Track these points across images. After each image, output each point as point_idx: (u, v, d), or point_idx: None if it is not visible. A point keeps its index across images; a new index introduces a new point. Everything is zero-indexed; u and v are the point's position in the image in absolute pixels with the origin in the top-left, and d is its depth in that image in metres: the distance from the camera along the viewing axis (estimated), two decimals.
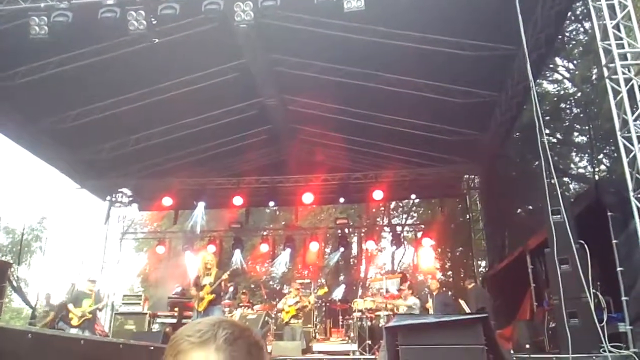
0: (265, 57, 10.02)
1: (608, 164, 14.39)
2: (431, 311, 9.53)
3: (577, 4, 10.01)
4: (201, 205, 14.24)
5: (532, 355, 6.55)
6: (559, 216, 6.10)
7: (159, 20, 7.02)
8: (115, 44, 8.64)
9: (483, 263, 15.09)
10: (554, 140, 15.80)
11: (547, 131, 15.37)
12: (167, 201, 14.15)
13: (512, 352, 7.02)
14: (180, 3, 6.69)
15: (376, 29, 8.53)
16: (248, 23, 6.69)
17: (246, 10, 6.59)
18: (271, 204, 14.84)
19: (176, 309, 11.49)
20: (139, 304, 12.04)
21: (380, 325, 9.45)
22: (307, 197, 13.67)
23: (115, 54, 8.90)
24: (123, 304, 12.40)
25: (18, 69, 8.89)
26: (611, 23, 5.69)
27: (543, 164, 5.98)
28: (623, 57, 5.63)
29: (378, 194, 13.68)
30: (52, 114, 10.51)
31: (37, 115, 10.44)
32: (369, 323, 9.67)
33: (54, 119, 10.60)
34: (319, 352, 9.72)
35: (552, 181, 6.50)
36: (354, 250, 21.05)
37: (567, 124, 15.35)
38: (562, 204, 5.93)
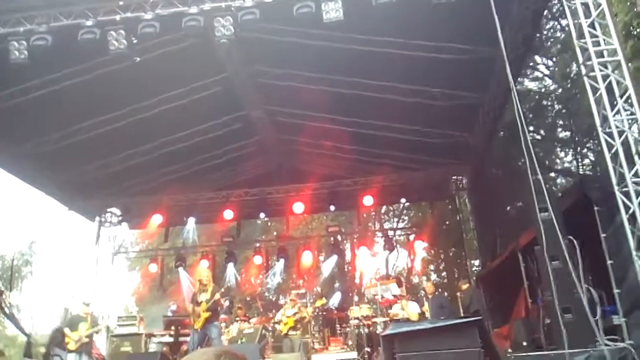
0: (247, 70, 10.05)
1: (592, 158, 14.56)
2: (427, 315, 9.54)
3: (554, 2, 10.14)
4: (192, 220, 14.17)
5: (529, 353, 6.59)
6: (547, 213, 6.14)
7: (140, 38, 7.03)
8: (96, 64, 8.62)
9: (476, 262, 15.17)
10: (538, 137, 15.94)
11: (531, 128, 15.56)
12: (157, 219, 14.07)
13: (510, 351, 7.05)
14: (160, 21, 6.69)
15: (357, 37, 8.60)
16: (228, 37, 6.71)
17: (226, 25, 6.62)
18: (262, 215, 14.80)
19: (172, 328, 11.39)
20: (134, 324, 11.91)
21: (377, 331, 9.45)
22: (298, 207, 13.68)
23: (97, 73, 8.87)
24: (118, 325, 12.26)
25: None
26: (586, 22, 5.79)
27: (527, 162, 6.02)
28: (600, 54, 5.73)
29: (368, 200, 13.72)
30: (36, 137, 10.43)
31: (20, 139, 10.33)
32: (366, 330, 9.67)
33: (37, 142, 10.51)
34: None
35: (538, 177, 6.56)
36: (348, 256, 21.05)
37: (549, 120, 15.51)
38: (548, 201, 5.98)
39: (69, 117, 10.23)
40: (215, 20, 6.65)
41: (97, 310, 11.51)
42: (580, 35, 5.90)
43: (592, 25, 5.83)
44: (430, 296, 10.20)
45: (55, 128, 10.46)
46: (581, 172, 15.37)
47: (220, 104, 11.16)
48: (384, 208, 22.26)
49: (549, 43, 14.29)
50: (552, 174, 16.76)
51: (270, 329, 11.09)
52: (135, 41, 7.07)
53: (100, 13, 6.71)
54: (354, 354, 9.46)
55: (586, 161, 15.14)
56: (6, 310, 11.32)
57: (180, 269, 14.65)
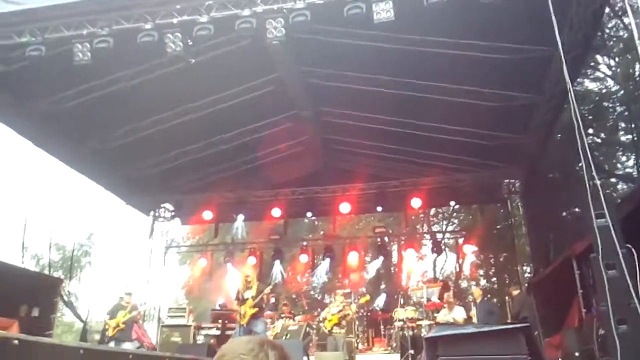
0: (298, 70, 10.16)
1: None
2: (474, 320, 9.36)
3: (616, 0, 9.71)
4: (240, 217, 14.48)
5: None
6: (603, 219, 5.89)
7: (195, 40, 7.25)
8: (154, 65, 8.96)
9: (528, 269, 14.71)
10: (599, 140, 15.31)
11: (591, 131, 14.94)
12: (207, 215, 14.46)
13: None
14: (214, 23, 6.88)
15: (408, 38, 8.52)
16: (280, 39, 6.82)
17: (277, 27, 6.72)
18: (309, 214, 14.92)
19: (219, 321, 11.70)
20: (184, 316, 12.33)
21: (422, 334, 9.35)
22: (345, 207, 13.70)
23: (155, 74, 9.22)
24: (169, 316, 12.72)
25: (64, 93, 9.32)
26: None
27: (584, 166, 5.80)
28: None
29: (416, 202, 13.57)
30: (97, 135, 10.96)
31: (83, 137, 10.91)
32: (410, 332, 9.60)
33: (98, 140, 11.05)
34: None
35: (595, 182, 6.30)
36: (394, 258, 20.88)
37: (611, 123, 14.83)
38: (605, 207, 5.73)
39: (128, 116, 10.69)
40: (267, 22, 6.76)
41: (139, 299, 11.93)
42: None
43: None
44: (477, 301, 9.99)
45: (115, 127, 10.95)
46: None
47: (271, 104, 11.34)
48: (432, 210, 21.93)
49: (612, 42, 13.68)
50: (613, 179, 16.04)
51: (314, 326, 11.18)
52: (190, 43, 7.29)
53: (159, 16, 6.97)
54: (397, 357, 9.40)
55: None
56: (65, 298, 11.94)
57: (229, 265, 14.99)
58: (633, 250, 5.65)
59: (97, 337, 11.10)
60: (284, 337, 10.43)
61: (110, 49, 7.09)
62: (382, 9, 6.42)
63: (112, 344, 9.87)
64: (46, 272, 19.67)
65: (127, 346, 9.93)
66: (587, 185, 6.01)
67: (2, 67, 7.27)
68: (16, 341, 2.55)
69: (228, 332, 11.19)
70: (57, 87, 9.16)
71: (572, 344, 7.68)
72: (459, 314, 9.47)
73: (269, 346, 1.24)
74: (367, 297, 11.68)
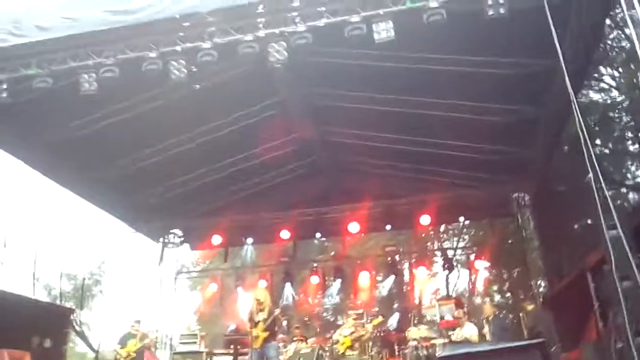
0: (301, 92, 10.26)
1: None
2: (488, 337, 9.20)
3: (617, 11, 9.75)
4: (249, 241, 14.45)
5: None
6: (615, 230, 5.82)
7: (199, 66, 7.35)
8: (159, 93, 9.06)
9: (542, 283, 14.50)
10: (607, 150, 15.20)
11: (598, 142, 14.85)
12: (216, 239, 14.45)
13: None
14: (218, 49, 6.96)
15: (410, 56, 8.57)
16: (282, 62, 6.89)
17: (280, 50, 6.79)
18: (318, 235, 14.88)
19: (232, 347, 11.59)
20: (196, 342, 12.22)
21: (437, 353, 9.20)
22: (353, 227, 13.66)
23: (160, 102, 9.33)
24: (180, 343, 12.62)
25: (71, 123, 9.44)
26: None
27: (592, 177, 5.76)
28: None
29: (425, 219, 13.50)
30: (104, 164, 11.05)
31: (90, 166, 11.01)
32: (425, 352, 9.44)
33: (106, 169, 11.14)
34: None
35: (605, 193, 6.24)
36: (406, 276, 20.68)
37: (617, 133, 14.76)
38: (616, 218, 5.67)
39: (134, 144, 10.79)
40: (269, 46, 6.84)
41: (148, 327, 11.86)
42: None
43: None
44: (489, 318, 9.82)
45: (122, 155, 11.05)
46: None
47: (277, 126, 11.39)
48: (442, 227, 21.76)
49: (614, 53, 13.70)
50: (623, 190, 15.88)
51: (327, 349, 11.03)
52: (195, 69, 7.39)
53: (162, 44, 7.08)
54: None
55: None
56: (77, 328, 11.92)
57: (239, 289, 14.90)
58: None
59: None
60: None
61: (116, 79, 7.19)
62: (383, 28, 6.49)
63: None
64: (58, 302, 19.70)
65: None
66: (597, 196, 5.95)
67: (9, 100, 7.36)
68: None
69: (241, 357, 11.07)
70: (64, 118, 9.28)
71: (591, 359, 7.51)
72: (469, 330, 9.33)
73: None
74: (380, 318, 11.53)
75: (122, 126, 9.66)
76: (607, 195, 5.94)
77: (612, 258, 5.61)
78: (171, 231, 15.17)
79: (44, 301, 17.61)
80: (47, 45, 7.29)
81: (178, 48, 7.02)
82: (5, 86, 7.30)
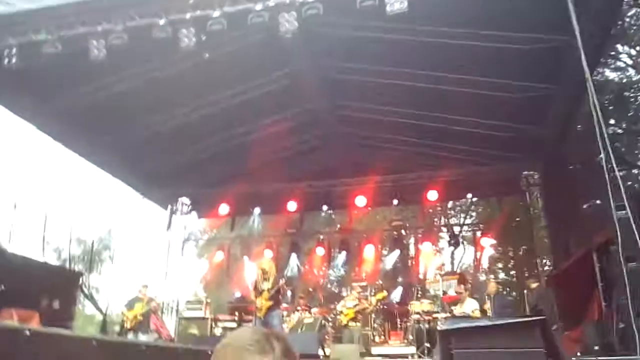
0: (312, 64, 10.14)
1: None
2: (489, 313, 9.28)
3: None
4: (257, 211, 14.54)
5: (599, 358, 6.26)
6: (624, 211, 5.78)
7: (208, 35, 7.28)
8: (170, 60, 9.01)
9: (548, 262, 14.52)
10: (620, 130, 15.00)
11: (612, 121, 14.63)
12: (224, 209, 14.55)
13: (578, 354, 6.73)
14: (227, 18, 6.89)
15: (422, 29, 8.42)
16: (293, 32, 6.81)
17: (290, 20, 6.71)
18: (325, 208, 14.94)
19: (236, 313, 11.81)
20: (201, 309, 12.46)
21: (438, 327, 9.32)
22: (361, 200, 13.67)
23: (170, 70, 9.28)
24: (187, 309, 12.88)
25: (81, 89, 9.45)
26: None
27: (603, 157, 5.70)
28: None
29: (433, 195, 13.47)
30: (114, 130, 11.08)
31: (100, 132, 11.04)
32: (426, 326, 9.56)
33: (116, 135, 11.17)
34: (378, 355, 9.70)
35: (615, 173, 6.18)
36: (412, 251, 20.80)
37: (632, 113, 14.52)
38: (625, 198, 5.62)
39: (144, 111, 10.78)
40: (280, 16, 6.75)
41: (165, 293, 12.11)
42: None
43: None
44: (492, 295, 9.90)
45: (132, 122, 11.06)
46: None
47: (287, 98, 11.35)
48: (450, 203, 21.76)
49: (632, 31, 13.36)
50: (635, 171, 15.72)
51: (330, 319, 11.21)
52: (204, 38, 7.32)
53: (172, 12, 7.01)
54: (413, 350, 9.39)
55: None
56: (85, 291, 12.18)
57: (245, 258, 15.09)
58: None
59: (117, 328, 11.30)
60: (299, 330, 10.48)
61: (126, 45, 7.15)
62: (395, 0, 6.36)
63: (130, 336, 10.04)
64: (67, 265, 20.06)
65: (145, 338, 10.09)
66: (607, 176, 5.91)
67: (20, 64, 7.37)
68: (28, 332, 2.60)
69: (244, 324, 11.29)
70: (75, 84, 9.28)
71: (592, 338, 7.56)
72: (471, 306, 9.42)
73: (274, 338, 1.26)
74: (384, 293, 11.66)
75: (133, 93, 9.66)
76: (618, 175, 5.88)
77: (619, 239, 5.58)
78: (179, 199, 15.29)
79: (53, 264, 17.95)
80: (56, 11, 7.27)
81: (187, 16, 6.96)
82: (15, 51, 7.30)
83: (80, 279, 10.95)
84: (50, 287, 9.42)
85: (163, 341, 10.51)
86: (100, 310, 12.96)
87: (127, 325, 10.13)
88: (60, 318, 9.32)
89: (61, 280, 10.09)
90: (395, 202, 13.98)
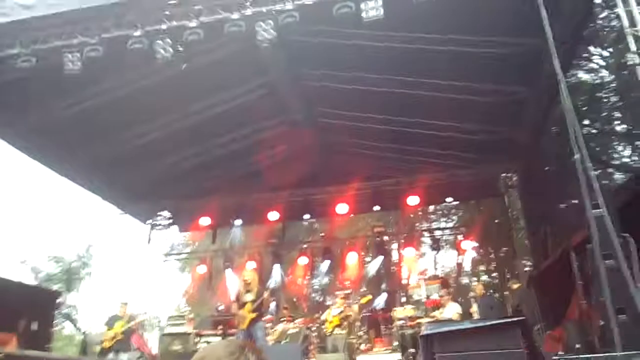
0: (290, 72, 10.16)
1: None
2: (476, 316, 9.34)
3: None
4: (238, 222, 14.44)
5: (580, 356, 6.33)
6: (599, 210, 5.88)
7: (185, 46, 7.24)
8: (146, 72, 8.92)
9: (529, 263, 14.69)
10: (594, 130, 15.29)
11: (586, 122, 14.92)
12: (205, 221, 14.43)
13: (561, 353, 6.80)
14: (204, 28, 6.87)
15: (398, 36, 8.52)
16: (270, 41, 6.82)
17: (267, 29, 6.72)
18: (306, 216, 14.93)
19: (220, 327, 11.65)
20: (184, 324, 12.26)
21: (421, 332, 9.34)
22: (342, 208, 13.70)
23: (147, 82, 9.20)
24: (169, 324, 12.64)
25: (56, 104, 9.29)
26: (638, 9, 5.53)
27: (578, 156, 5.81)
28: None
29: (413, 200, 13.57)
30: (91, 145, 10.91)
31: (76, 147, 10.86)
32: (410, 331, 9.56)
33: (92, 150, 11.00)
34: None
35: (590, 173, 6.30)
36: (394, 257, 20.86)
37: (605, 113, 14.82)
38: (600, 197, 5.73)
39: (121, 125, 10.64)
40: (256, 24, 6.76)
41: (146, 310, 11.90)
42: (632, 23, 5.64)
43: None
44: (478, 297, 9.97)
45: (109, 136, 10.89)
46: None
47: (265, 107, 11.34)
48: (431, 207, 21.92)
49: (604, 32, 13.68)
50: (610, 170, 16.02)
51: (314, 329, 11.14)
52: (181, 49, 7.28)
53: (148, 23, 6.96)
54: (398, 356, 9.38)
55: None
56: (64, 311, 11.92)
57: (228, 270, 14.95)
58: (630, 239, 5.64)
59: (99, 348, 11.05)
60: (283, 341, 10.39)
61: (101, 58, 7.07)
62: (371, 7, 6.44)
63: (110, 355, 9.83)
64: (45, 285, 19.61)
65: (126, 357, 9.88)
66: (582, 176, 6.01)
67: None
68: (1, 355, 2.53)
69: (229, 338, 11.13)
70: (50, 98, 9.13)
71: (573, 336, 7.65)
72: (452, 310, 9.48)
73: (249, 350, 1.27)
74: (369, 297, 11.66)
75: (109, 106, 9.54)
76: (593, 175, 5.98)
77: (596, 237, 5.67)
78: (159, 213, 15.10)
79: (30, 284, 17.54)
80: (30, 24, 7.16)
81: (164, 27, 6.92)
82: None
83: (59, 299, 10.70)
84: (27, 307, 9.21)
85: (145, 359, 10.32)
86: (80, 330, 12.67)
87: (106, 344, 9.90)
88: (38, 340, 9.10)
89: (39, 301, 9.88)
90: (376, 208, 14.04)
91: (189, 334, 11.74)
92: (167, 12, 6.95)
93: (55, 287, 20.19)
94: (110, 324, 10.26)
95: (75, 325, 13.65)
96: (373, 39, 8.54)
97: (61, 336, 21.48)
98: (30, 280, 21.27)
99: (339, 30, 8.33)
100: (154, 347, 12.33)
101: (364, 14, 6.47)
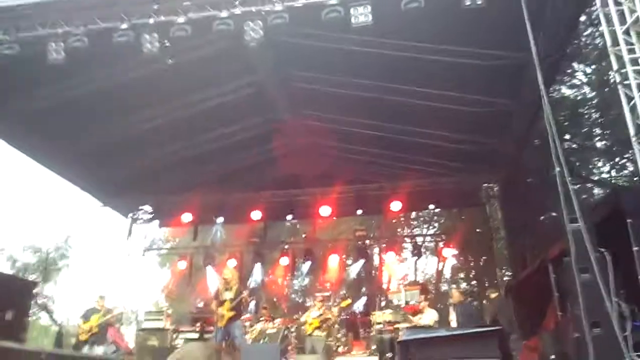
0: (278, 73, 10.14)
1: (632, 168, 14.09)
2: (453, 323, 9.40)
3: (592, 8, 9.91)
4: (220, 220, 14.36)
5: None
6: (577, 224, 5.97)
7: (172, 41, 7.19)
8: (131, 65, 8.83)
9: (508, 272, 14.84)
10: (575, 145, 15.53)
11: (568, 137, 15.14)
12: (186, 217, 14.34)
13: None
14: (192, 24, 6.83)
15: (386, 42, 8.55)
16: (258, 41, 6.80)
17: (256, 29, 6.71)
18: (289, 217, 14.90)
19: (198, 324, 11.58)
20: (162, 319, 12.17)
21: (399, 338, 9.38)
22: (325, 210, 13.72)
23: (131, 75, 9.10)
24: (146, 320, 12.54)
25: (38, 92, 9.15)
26: (621, 29, 5.62)
27: (557, 170, 5.89)
28: (635, 62, 5.54)
29: (396, 205, 13.64)
30: (73, 136, 10.77)
31: (59, 138, 10.71)
32: (388, 336, 9.61)
33: (75, 141, 10.86)
34: None
35: (569, 187, 6.39)
36: (375, 261, 20.90)
37: (586, 129, 15.09)
38: (578, 211, 5.81)
39: (105, 116, 10.50)
40: (245, 24, 6.75)
41: (126, 304, 11.80)
42: (615, 43, 5.74)
43: (627, 33, 5.66)
44: (456, 304, 10.04)
45: (92, 128, 10.76)
46: (620, 184, 14.88)
47: (251, 106, 11.30)
48: (413, 214, 22.04)
49: (588, 49, 13.91)
50: (589, 185, 16.26)
51: (293, 330, 11.12)
52: (168, 44, 7.23)
53: (135, 16, 6.90)
54: (376, 359, 9.41)
55: (624, 172, 14.66)
56: (40, 301, 11.76)
57: (209, 267, 14.86)
58: (606, 254, 5.73)
59: (74, 340, 10.91)
60: (262, 341, 10.36)
61: (86, 48, 7.00)
62: (360, 12, 6.47)
63: (86, 348, 9.71)
64: (21, 274, 19.31)
65: (102, 350, 9.77)
66: (561, 190, 6.09)
67: None
68: None
69: (207, 335, 11.07)
70: (33, 87, 8.98)
71: (548, 347, 7.74)
72: (429, 316, 9.55)
73: (225, 352, 1.27)
74: (349, 301, 11.69)
75: (93, 98, 9.43)
76: (571, 189, 6.07)
77: (573, 251, 5.75)
78: (141, 207, 14.96)
79: (6, 273, 17.25)
80: (14, 11, 7.06)
81: (151, 21, 6.87)
82: None
83: (35, 289, 10.53)
84: (3, 297, 9.04)
85: (121, 354, 10.21)
86: (55, 322, 12.50)
87: (82, 337, 9.79)
88: (13, 330, 8.95)
89: (14, 290, 9.70)
90: (359, 212, 14.08)
91: (167, 329, 11.67)
92: (155, 7, 6.90)
93: (32, 277, 19.93)
94: (86, 316, 10.14)
95: (51, 316, 13.46)
96: (363, 44, 8.55)
97: (37, 326, 21.19)
98: (6, 269, 20.97)
99: (328, 34, 8.34)
100: (130, 341, 12.19)
101: (353, 20, 6.49)
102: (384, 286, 17.62)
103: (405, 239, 20.02)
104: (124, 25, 6.84)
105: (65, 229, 24.27)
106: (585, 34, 12.62)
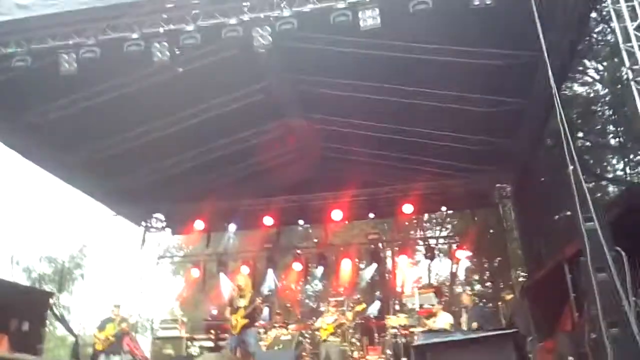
0: (287, 78, 10.18)
1: None
2: (464, 326, 9.31)
3: (603, 5, 9.83)
4: (232, 226, 14.39)
5: None
6: (592, 223, 5.89)
7: (182, 49, 7.26)
8: (142, 75, 8.92)
9: (522, 273, 14.71)
10: (588, 143, 15.39)
11: (580, 134, 15.01)
12: (199, 224, 14.38)
13: None
14: (201, 32, 6.88)
15: (396, 44, 8.55)
16: (267, 47, 6.83)
17: (264, 35, 6.74)
18: (301, 222, 14.88)
19: (212, 332, 11.59)
20: (177, 327, 12.20)
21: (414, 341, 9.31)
22: (337, 214, 13.68)
23: (143, 84, 9.19)
24: (161, 328, 12.58)
25: (52, 104, 9.27)
26: (632, 25, 5.57)
27: (571, 169, 5.83)
28: None
29: (408, 208, 13.57)
30: (86, 146, 10.89)
31: (71, 148, 10.83)
32: (403, 340, 9.54)
33: (87, 151, 10.97)
34: None
35: (583, 185, 6.32)
36: (389, 264, 20.81)
37: (599, 126, 14.95)
38: (592, 210, 5.74)
39: (117, 126, 10.63)
40: (254, 30, 6.78)
41: (129, 312, 11.82)
42: (627, 39, 5.68)
43: (638, 29, 5.60)
44: (467, 307, 9.94)
45: (104, 137, 10.88)
46: (635, 181, 14.71)
47: (262, 112, 11.34)
48: (426, 216, 21.93)
49: (599, 46, 13.81)
50: (603, 183, 16.11)
51: (307, 335, 11.09)
52: (178, 52, 7.29)
53: (145, 26, 6.97)
54: None
55: (639, 169, 14.49)
56: (56, 311, 11.82)
57: (222, 274, 14.88)
58: (622, 252, 5.64)
59: (90, 350, 10.97)
60: (276, 347, 10.34)
61: (97, 59, 7.07)
62: (369, 16, 6.47)
63: (101, 358, 9.75)
64: (37, 285, 19.48)
65: (118, 359, 9.81)
66: (575, 189, 6.02)
67: None
68: None
69: (221, 343, 11.08)
70: (45, 98, 9.11)
71: (565, 349, 7.63)
72: (444, 319, 9.46)
73: None
74: (363, 305, 11.61)
75: (105, 108, 9.53)
76: (585, 187, 6.00)
77: (588, 250, 5.67)
78: (153, 215, 15.05)
79: (22, 284, 17.42)
80: (26, 24, 7.14)
81: (161, 30, 6.94)
82: None
83: (51, 299, 10.62)
84: (19, 308, 9.13)
85: None
86: (72, 332, 12.55)
87: (98, 347, 9.83)
88: (29, 340, 9.03)
89: (31, 301, 9.80)
90: (371, 215, 14.02)
91: (182, 338, 11.69)
92: (164, 16, 6.96)
93: (47, 288, 20.11)
94: (102, 326, 10.19)
95: (67, 327, 13.52)
96: (372, 47, 8.56)
97: (53, 337, 21.35)
98: (22, 280, 21.16)
99: (337, 37, 8.36)
100: (146, 350, 12.23)
101: (361, 23, 6.49)
102: (398, 290, 17.52)
103: (418, 241, 19.96)
104: (135, 35, 6.91)
105: (80, 239, 24.46)
106: (596, 30, 12.52)
